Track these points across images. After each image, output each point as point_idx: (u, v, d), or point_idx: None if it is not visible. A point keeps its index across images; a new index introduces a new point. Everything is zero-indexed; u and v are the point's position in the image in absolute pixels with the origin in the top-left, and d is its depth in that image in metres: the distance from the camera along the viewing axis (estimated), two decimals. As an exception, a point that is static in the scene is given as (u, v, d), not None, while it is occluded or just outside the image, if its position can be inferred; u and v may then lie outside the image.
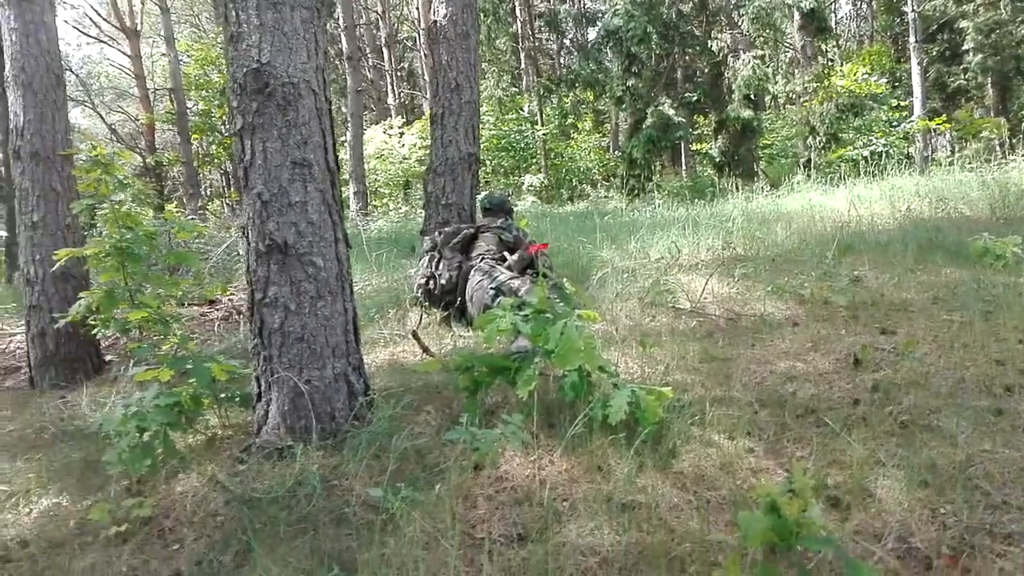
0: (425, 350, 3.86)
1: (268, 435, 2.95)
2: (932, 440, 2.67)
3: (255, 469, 2.79)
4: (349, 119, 15.04)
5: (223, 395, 3.31)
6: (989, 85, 22.63)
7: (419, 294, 5.09)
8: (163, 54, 20.34)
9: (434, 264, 5.06)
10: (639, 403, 2.71)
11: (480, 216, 5.50)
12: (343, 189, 15.99)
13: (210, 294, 5.78)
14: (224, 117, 18.85)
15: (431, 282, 5.01)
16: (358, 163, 14.58)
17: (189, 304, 5.87)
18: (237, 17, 2.94)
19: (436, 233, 5.16)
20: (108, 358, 4.94)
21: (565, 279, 4.33)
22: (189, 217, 11.16)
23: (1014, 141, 16.56)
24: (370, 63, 27.90)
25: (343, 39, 15.97)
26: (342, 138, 17.24)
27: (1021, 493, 2.30)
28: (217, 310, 5.92)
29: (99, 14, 19.72)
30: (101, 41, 20.78)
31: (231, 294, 6.19)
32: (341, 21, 16.07)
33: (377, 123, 21.89)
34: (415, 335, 3.94)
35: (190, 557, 2.32)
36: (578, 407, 2.83)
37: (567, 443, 2.67)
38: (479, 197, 5.53)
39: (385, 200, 18.93)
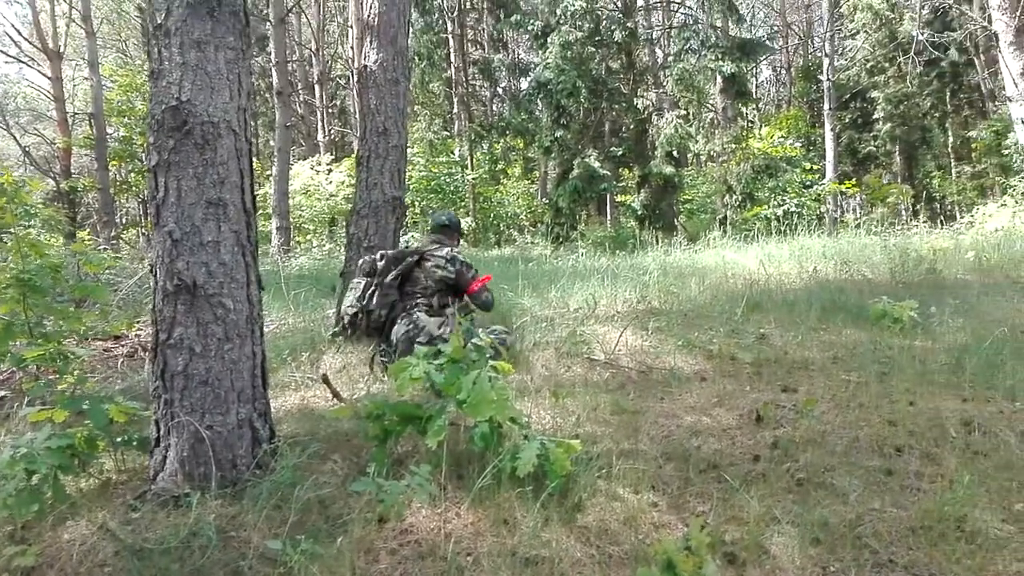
0: (335, 395, 3.80)
1: (165, 482, 2.84)
2: (826, 498, 2.78)
3: (149, 517, 2.68)
4: (276, 153, 14.87)
5: (120, 438, 3.16)
6: (897, 153, 24.06)
7: (344, 325, 4.94)
8: (86, 78, 19.73)
9: (368, 295, 4.84)
10: (548, 456, 2.73)
11: (425, 238, 5.32)
12: (265, 224, 15.77)
13: (116, 329, 5.57)
14: (145, 146, 18.36)
15: (360, 316, 4.82)
16: (282, 198, 14.39)
17: (93, 339, 5.63)
18: (159, 54, 2.90)
19: (378, 256, 4.90)
20: (1, 394, 4.69)
21: (480, 329, 4.35)
22: (102, 246, 10.77)
23: (917, 207, 17.58)
24: (301, 99, 27.77)
25: (274, 74, 15.87)
26: (268, 172, 17.02)
27: (906, 552, 2.41)
28: (122, 346, 5.69)
29: (20, 33, 19.01)
30: (20, 61, 20.01)
31: (138, 330, 5.97)
32: (273, 56, 15.99)
33: (305, 158, 21.69)
34: (325, 379, 3.87)
35: (71, 611, 2.20)
36: (487, 458, 2.83)
37: (475, 495, 2.66)
38: (432, 215, 5.46)
39: (309, 237, 18.69)
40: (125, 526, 2.63)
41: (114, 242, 15.59)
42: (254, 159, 3.24)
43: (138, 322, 6.03)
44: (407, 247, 5.22)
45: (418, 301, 4.84)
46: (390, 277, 4.81)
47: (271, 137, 24.36)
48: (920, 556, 2.37)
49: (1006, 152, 17.40)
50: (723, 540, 2.49)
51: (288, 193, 15.28)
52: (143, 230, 23.71)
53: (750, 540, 2.46)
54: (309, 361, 4.56)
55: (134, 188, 22.83)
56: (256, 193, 3.18)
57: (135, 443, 3.14)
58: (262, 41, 25.45)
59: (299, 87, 27.84)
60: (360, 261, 5.05)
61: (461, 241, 5.24)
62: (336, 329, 5.12)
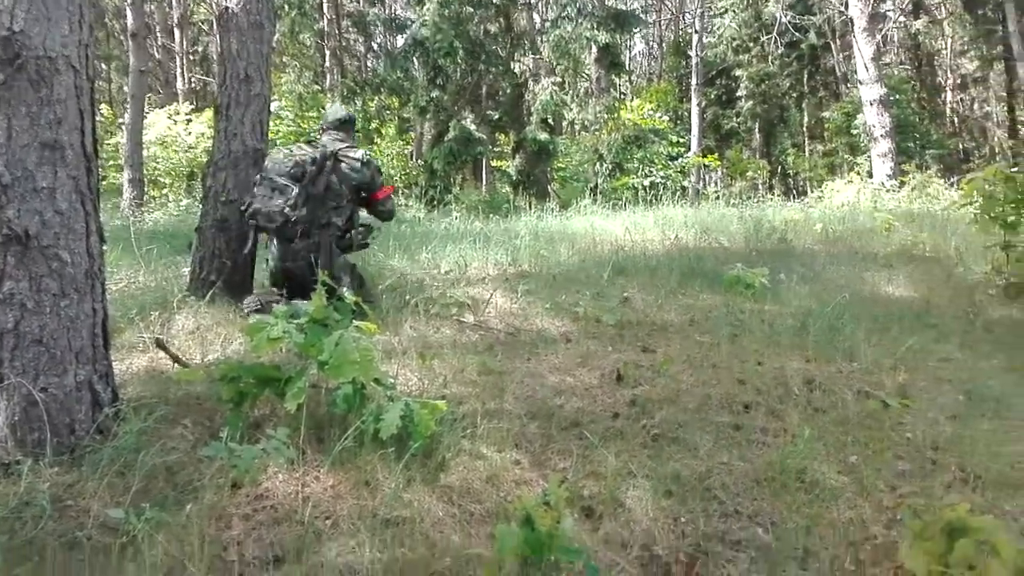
0: (175, 359, 3.56)
1: (-8, 449, 2.61)
2: (678, 452, 2.90)
3: (-27, 487, 2.45)
4: (130, 100, 13.82)
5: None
6: (757, 130, 25.30)
7: (248, 234, 4.57)
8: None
9: (299, 202, 4.36)
10: (412, 417, 2.70)
11: (324, 132, 4.92)
12: (117, 176, 14.73)
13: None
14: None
15: (289, 227, 4.36)
16: (136, 149, 13.41)
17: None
18: (-15, -23, 2.59)
19: (307, 157, 4.43)
20: None
21: (346, 288, 4.24)
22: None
23: (773, 182, 18.61)
24: (159, 43, 25.94)
25: (129, 13, 14.66)
26: (120, 120, 15.86)
27: (750, 503, 2.56)
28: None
29: None
30: None
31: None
32: (127, -6, 14.79)
33: (163, 107, 20.33)
34: (160, 343, 3.59)
35: None
36: (350, 421, 2.77)
37: (335, 458, 2.60)
38: (328, 108, 5.13)
39: (165, 191, 17.59)
40: (-56, 496, 2.40)
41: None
42: (105, 105, 2.99)
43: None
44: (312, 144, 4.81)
45: (333, 220, 4.56)
46: (321, 188, 4.48)
47: (124, 83, 22.64)
48: (764, 506, 2.52)
49: (855, 132, 18.67)
50: (581, 495, 2.56)
51: (142, 144, 14.28)
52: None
53: (607, 494, 2.54)
54: (159, 321, 4.30)
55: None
56: (107, 142, 2.92)
57: (-43, 408, 2.86)
58: (116, -22, 23.53)
59: (157, 29, 25.95)
60: (268, 160, 4.65)
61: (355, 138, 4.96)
62: (192, 271, 4.86)
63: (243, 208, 4.59)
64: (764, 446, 2.98)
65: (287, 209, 4.38)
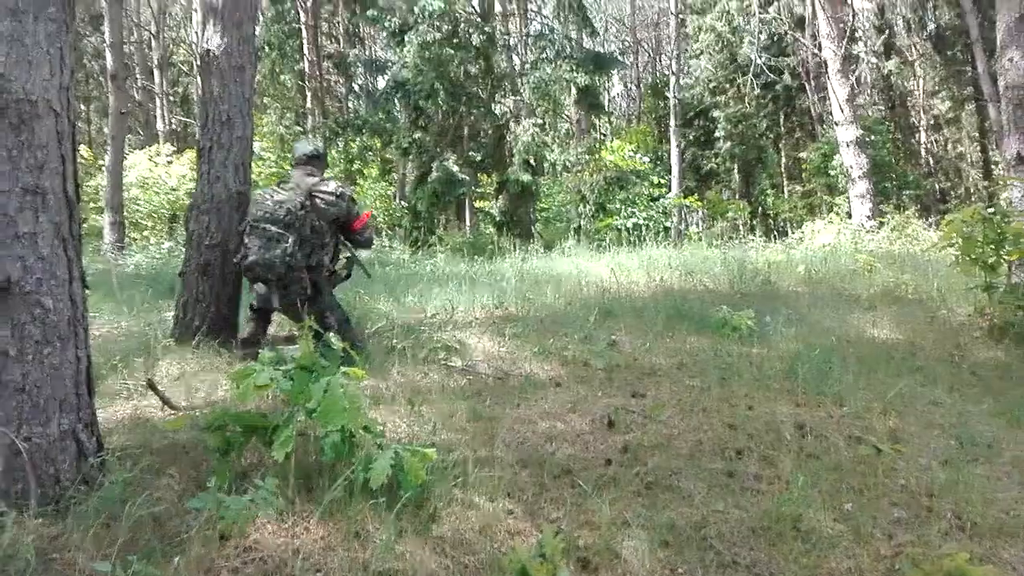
0: (165, 402, 3.48)
1: (-28, 502, 2.52)
2: (673, 500, 2.87)
3: (-47, 541, 2.36)
4: (110, 142, 13.77)
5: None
6: (736, 170, 25.61)
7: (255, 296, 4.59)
8: None
9: (295, 248, 4.35)
10: (402, 465, 2.65)
11: (295, 167, 4.84)
12: (97, 219, 14.59)
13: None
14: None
15: (290, 274, 4.35)
16: (116, 191, 13.32)
17: None
18: (-32, 22, 2.58)
19: (294, 203, 4.40)
20: None
21: (332, 333, 4.20)
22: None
23: (754, 223, 18.81)
24: (139, 84, 26.01)
25: (108, 55, 14.70)
26: (100, 162, 15.79)
27: (747, 553, 2.52)
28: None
29: None
30: None
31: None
32: (108, 36, 14.81)
33: (143, 148, 20.29)
34: (151, 384, 3.53)
35: None
36: (339, 469, 2.72)
37: (325, 508, 2.54)
38: (296, 144, 5.05)
39: (146, 233, 17.47)
40: (-77, 553, 2.30)
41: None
42: (85, 147, 2.96)
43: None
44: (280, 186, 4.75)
45: (321, 260, 4.53)
46: (308, 230, 4.44)
47: (104, 124, 22.61)
48: (761, 556, 2.49)
49: (832, 173, 18.95)
50: (577, 545, 2.51)
51: (123, 186, 14.21)
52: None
53: (602, 545, 2.50)
54: (143, 367, 4.22)
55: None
56: (87, 184, 2.89)
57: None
58: (96, 20, 23.60)
59: (137, 71, 26.04)
60: (253, 206, 4.57)
61: (324, 171, 4.89)
62: (176, 316, 4.77)
63: (237, 261, 4.51)
64: (758, 493, 2.95)
65: (288, 258, 4.34)
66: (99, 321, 5.26)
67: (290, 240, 4.36)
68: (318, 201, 4.51)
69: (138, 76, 26.03)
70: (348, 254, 4.91)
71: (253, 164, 5.42)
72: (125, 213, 14.55)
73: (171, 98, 26.25)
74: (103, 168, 14.39)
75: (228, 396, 3.88)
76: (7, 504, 2.49)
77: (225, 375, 4.18)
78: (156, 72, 24.92)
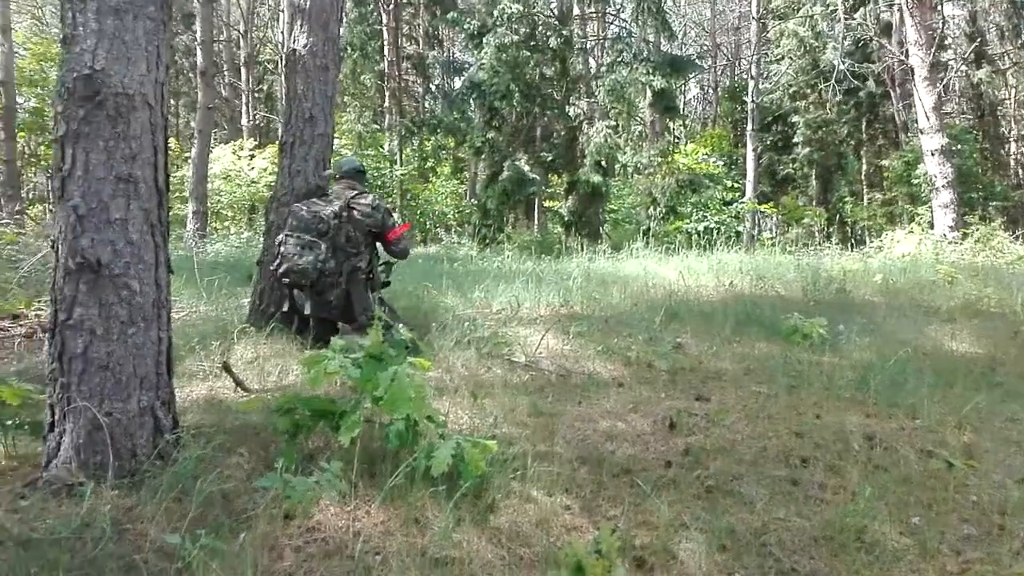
0: (239, 384, 3.64)
1: (58, 470, 2.68)
2: (733, 506, 2.83)
3: (39, 507, 2.52)
4: (196, 135, 14.35)
5: (11, 421, 2.98)
6: (813, 176, 24.92)
7: (276, 298, 4.73)
8: (-2, 43, 18.64)
9: (328, 256, 4.53)
10: (463, 455, 2.70)
11: (338, 181, 4.99)
12: (181, 208, 15.22)
13: (14, 308, 5.25)
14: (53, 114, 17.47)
15: (323, 280, 4.52)
16: (200, 182, 13.89)
17: (-12, 317, 5.30)
18: (73, 19, 2.75)
19: (328, 212, 4.55)
20: None
21: (402, 324, 4.29)
22: (4, 221, 10.17)
23: (830, 230, 18.29)
24: (226, 80, 26.93)
25: (199, 53, 15.33)
26: (187, 154, 16.44)
27: (808, 562, 2.47)
28: (20, 326, 5.37)
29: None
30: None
31: (39, 310, 5.65)
32: (199, 35, 15.43)
33: (228, 142, 21.02)
34: (226, 367, 3.70)
35: (-52, 605, 2.05)
36: (402, 456, 2.78)
37: (386, 493, 2.61)
38: (340, 159, 5.18)
39: (227, 223, 18.11)
40: (12, 515, 2.48)
41: (18, 217, 14.75)
42: (173, 139, 3.11)
43: (39, 302, 5.70)
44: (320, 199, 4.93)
45: (357, 265, 4.67)
46: (343, 239, 4.61)
47: (192, 118, 23.52)
48: (821, 566, 2.44)
49: (915, 182, 18.28)
50: (633, 545, 2.50)
51: (207, 177, 14.77)
52: (50, 206, 22.54)
53: (659, 545, 2.49)
54: (219, 350, 4.39)
55: (43, 162, 21.67)
56: (173, 175, 3.04)
57: (27, 428, 2.97)
58: (188, 19, 24.54)
59: (225, 68, 26.97)
60: (292, 217, 4.72)
61: (365, 186, 5.04)
62: (252, 303, 4.92)
63: (273, 269, 4.71)
64: (822, 503, 2.89)
65: (319, 264, 4.53)
66: (179, 305, 5.49)
67: (323, 247, 4.55)
68: (355, 213, 4.68)
69: (225, 73, 26.95)
70: (385, 260, 5.05)
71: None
72: (208, 203, 15.12)
73: (256, 95, 27.08)
74: (189, 160, 15.02)
75: (298, 381, 4.01)
76: (86, 475, 2.65)
77: (296, 360, 4.33)
78: (243, 69, 25.75)
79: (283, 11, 18.11)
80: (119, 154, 2.76)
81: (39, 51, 18.66)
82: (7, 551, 2.27)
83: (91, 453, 2.70)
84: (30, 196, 25.31)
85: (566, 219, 17.65)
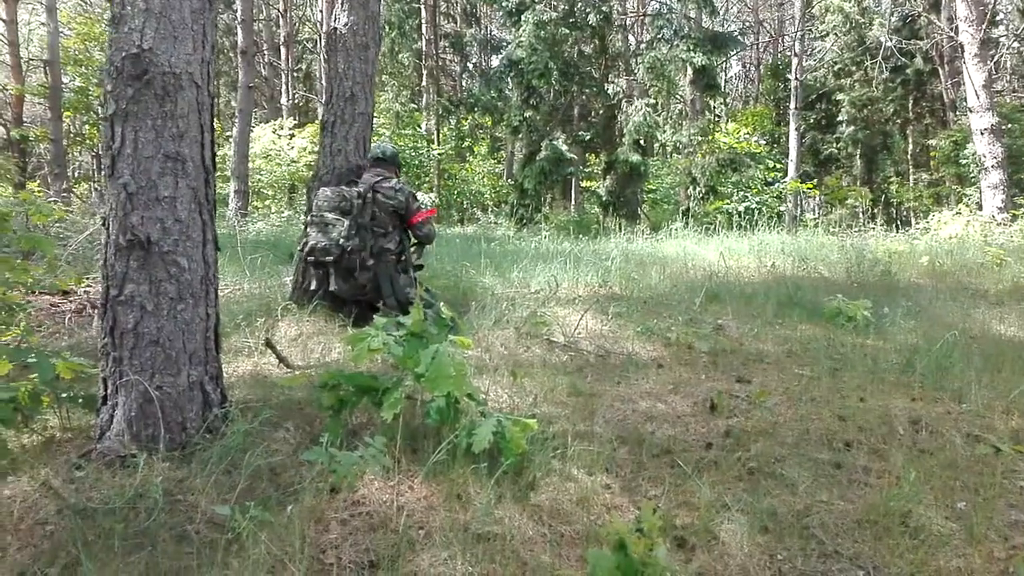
0: (282, 360, 3.71)
1: (111, 441, 2.76)
2: (775, 488, 2.81)
3: (93, 477, 2.61)
4: (237, 115, 14.53)
5: (65, 394, 3.07)
6: (858, 156, 24.39)
7: (307, 271, 4.80)
8: (43, 23, 18.99)
9: (351, 233, 4.62)
10: (504, 433, 2.72)
11: (368, 169, 5.08)
12: (222, 187, 15.43)
13: (63, 285, 5.39)
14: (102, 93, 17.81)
15: (343, 258, 4.61)
16: (241, 161, 14.07)
17: (40, 293, 5.45)
18: (122, -1, 2.79)
19: (353, 192, 4.68)
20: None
21: (443, 303, 4.32)
22: (52, 199, 10.42)
23: (875, 211, 17.92)
24: (266, 60, 27.15)
25: (239, 32, 15.46)
26: (227, 133, 16.64)
27: (851, 544, 2.45)
28: (70, 302, 5.52)
29: (-29, -29, 18.20)
30: (-29, 0, 19.17)
31: (88, 286, 5.79)
32: (239, 14, 15.55)
33: (267, 122, 21.23)
34: (269, 343, 3.78)
35: (12, 568, 2.13)
36: (443, 433, 2.81)
37: (429, 469, 2.64)
38: (373, 145, 5.26)
39: (267, 202, 18.35)
40: (68, 484, 2.56)
41: (65, 195, 15.13)
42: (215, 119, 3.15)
43: (87, 278, 5.85)
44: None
45: (386, 247, 4.74)
46: (367, 218, 4.69)
47: (232, 97, 23.79)
48: (864, 549, 2.41)
49: (963, 162, 17.81)
50: (674, 524, 2.50)
51: (248, 156, 14.95)
52: (96, 185, 23.02)
53: (700, 525, 2.48)
54: (264, 327, 4.47)
55: (88, 141, 22.13)
56: (215, 153, 3.08)
57: (81, 401, 3.05)
58: (229, -1, 24.76)
59: (264, 48, 27.19)
60: (318, 198, 4.84)
61: (399, 174, 5.13)
62: (294, 281, 5.00)
63: (300, 248, 4.83)
64: (866, 486, 2.86)
65: (341, 240, 4.62)
66: (224, 283, 5.59)
67: (345, 224, 4.63)
68: (379, 195, 4.75)
69: (265, 52, 27.17)
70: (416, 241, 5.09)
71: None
72: (249, 183, 15.31)
73: (295, 74, 27.30)
74: (230, 139, 15.21)
75: (340, 358, 4.07)
76: (138, 447, 2.72)
77: (338, 339, 4.39)
78: (282, 49, 25.94)
79: (322, -10, 18.18)
80: (167, 133, 2.81)
81: (83, 30, 18.98)
82: (65, 519, 2.35)
83: (143, 426, 2.77)
84: (76, 175, 25.90)
85: (604, 199, 17.56)
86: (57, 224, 7.46)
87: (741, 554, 2.36)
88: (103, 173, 2.86)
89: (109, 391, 2.82)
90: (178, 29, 2.84)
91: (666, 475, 2.89)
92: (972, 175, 16.45)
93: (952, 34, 16.28)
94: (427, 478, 2.64)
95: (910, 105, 23.79)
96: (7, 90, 19.07)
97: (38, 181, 14.88)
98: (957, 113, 20.70)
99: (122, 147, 2.77)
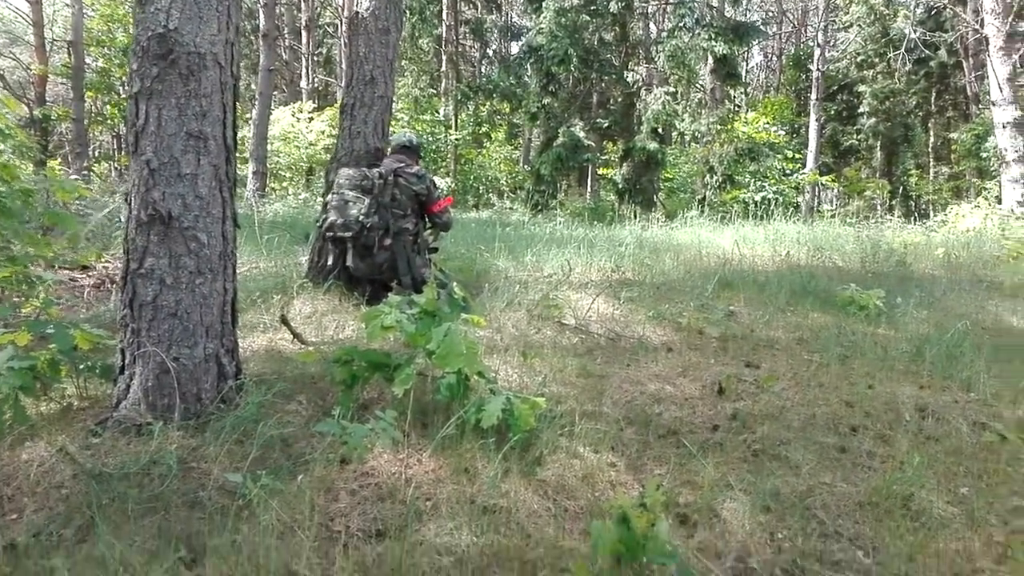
0: (295, 336, 3.78)
1: (127, 410, 2.84)
2: (779, 469, 2.85)
3: (109, 444, 2.68)
4: (257, 97, 14.60)
5: (83, 364, 3.15)
6: (878, 148, 24.19)
7: (327, 255, 4.91)
8: (67, 4, 19.17)
9: (371, 211, 4.71)
10: (513, 410, 2.77)
11: (389, 155, 5.22)
12: (242, 168, 15.54)
13: (83, 260, 5.50)
14: (124, 78, 17.97)
15: (361, 235, 4.69)
16: (260, 143, 14.16)
17: (60, 268, 5.56)
18: (148, -22, 2.84)
19: (375, 173, 4.79)
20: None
21: (455, 283, 4.37)
22: (73, 177, 10.55)
23: (893, 203, 17.76)
24: (286, 43, 27.23)
25: (261, 15, 15.54)
26: (247, 115, 16.74)
27: (852, 525, 2.49)
28: (89, 277, 5.63)
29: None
30: (-3, -19, 19.41)
31: (106, 261, 5.90)
32: (261, -3, 15.61)
33: (287, 104, 21.32)
34: (284, 320, 3.86)
35: (28, 528, 2.21)
36: (453, 409, 2.87)
37: (437, 444, 2.70)
38: (395, 134, 5.39)
39: (285, 184, 18.45)
40: (84, 450, 2.63)
41: (85, 174, 15.30)
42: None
43: (106, 254, 5.95)
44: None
45: (404, 227, 4.81)
46: (388, 198, 4.77)
47: (253, 80, 23.89)
48: (865, 530, 2.45)
49: (984, 155, 17.61)
50: (677, 502, 2.55)
51: (267, 138, 15.05)
52: (115, 164, 23.26)
53: (703, 503, 2.53)
54: (279, 304, 4.54)
55: (109, 121, 22.35)
56: (236, 132, 3.14)
57: (98, 371, 3.13)
58: (251, -19, 24.81)
59: (285, 31, 27.27)
60: (339, 177, 4.92)
61: (420, 163, 5.23)
62: (310, 260, 5.07)
63: (319, 225, 4.90)
64: (870, 470, 2.89)
65: (361, 216, 4.70)
66: (241, 260, 5.64)
67: (365, 202, 4.73)
68: (401, 180, 4.84)
69: (286, 36, 27.25)
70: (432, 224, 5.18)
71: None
72: (267, 164, 15.42)
73: (315, 58, 27.32)
74: (249, 121, 15.29)
75: (354, 335, 4.14)
76: (154, 416, 2.80)
77: (352, 316, 4.46)
78: (303, 33, 25.96)
79: (343, -27, 18.19)
80: (190, 111, 2.86)
81: (107, 12, 19.13)
82: (81, 483, 2.43)
83: (159, 396, 2.85)
84: (96, 154, 26.14)
85: (620, 186, 17.54)
86: (77, 201, 7.57)
87: (742, 532, 2.41)
88: (126, 150, 2.92)
89: (127, 361, 2.89)
90: (203, 10, 2.89)
91: (671, 455, 2.94)
92: (993, 169, 16.27)
93: (977, 27, 16.05)
94: (436, 452, 2.70)
95: (933, 98, 23.55)
96: (31, 70, 19.26)
97: (59, 159, 15.05)
98: (980, 106, 20.44)
99: (146, 124, 2.83)
